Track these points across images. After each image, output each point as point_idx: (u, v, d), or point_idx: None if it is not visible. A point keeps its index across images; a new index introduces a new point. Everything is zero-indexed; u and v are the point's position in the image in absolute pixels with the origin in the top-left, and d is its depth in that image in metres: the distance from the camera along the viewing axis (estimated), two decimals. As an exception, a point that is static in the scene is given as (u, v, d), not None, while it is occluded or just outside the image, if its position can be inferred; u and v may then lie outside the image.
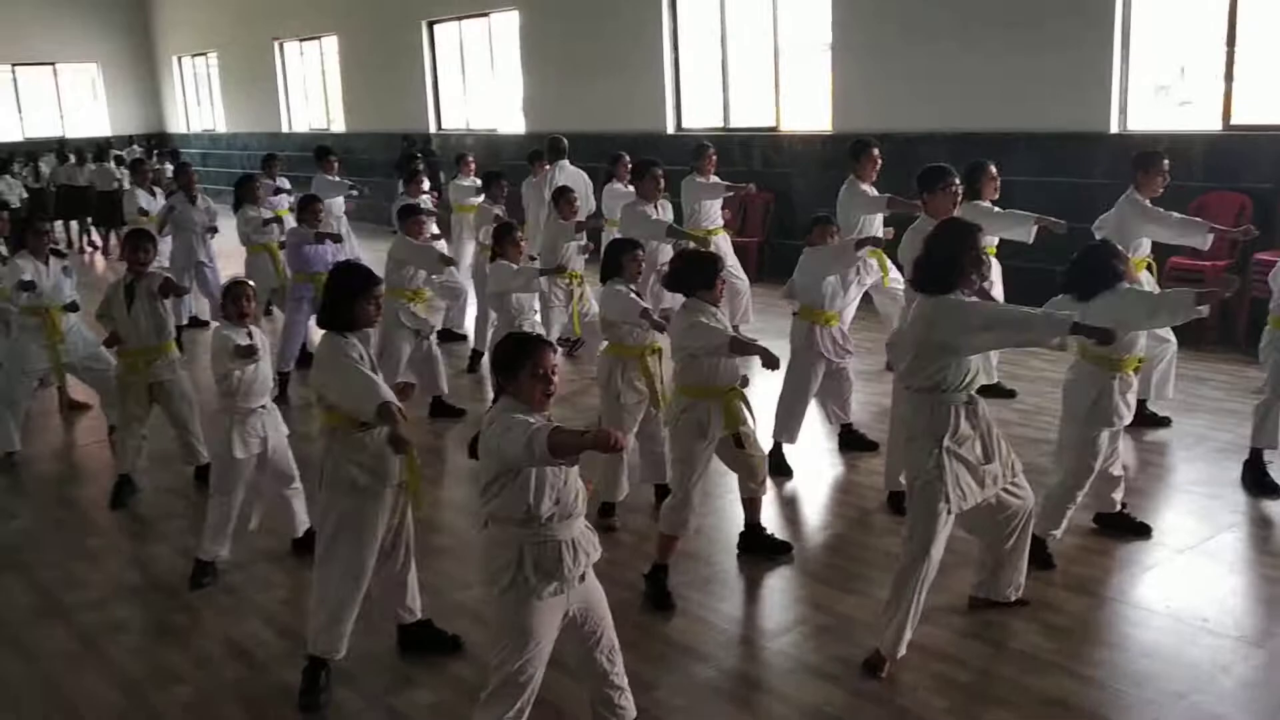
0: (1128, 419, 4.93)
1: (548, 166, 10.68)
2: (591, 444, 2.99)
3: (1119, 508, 5.20)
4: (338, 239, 8.39)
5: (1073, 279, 4.66)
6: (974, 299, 4.12)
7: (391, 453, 4.06)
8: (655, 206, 8.01)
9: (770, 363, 4.57)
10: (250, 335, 5.12)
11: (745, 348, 4.64)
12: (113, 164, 16.72)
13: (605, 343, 5.64)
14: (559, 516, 3.28)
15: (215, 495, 5.23)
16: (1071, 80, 9.32)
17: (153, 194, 11.36)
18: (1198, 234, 6.38)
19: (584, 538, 3.37)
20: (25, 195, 16.52)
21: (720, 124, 12.84)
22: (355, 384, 3.97)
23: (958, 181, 6.03)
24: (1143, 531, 5.16)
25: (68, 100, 24.88)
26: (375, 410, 3.89)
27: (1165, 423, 6.71)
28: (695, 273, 4.79)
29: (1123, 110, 9.21)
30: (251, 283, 5.35)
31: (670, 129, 13.26)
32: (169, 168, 16.36)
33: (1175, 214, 6.50)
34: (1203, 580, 4.77)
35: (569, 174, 10.12)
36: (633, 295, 5.39)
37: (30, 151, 19.12)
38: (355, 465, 4.07)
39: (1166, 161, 6.46)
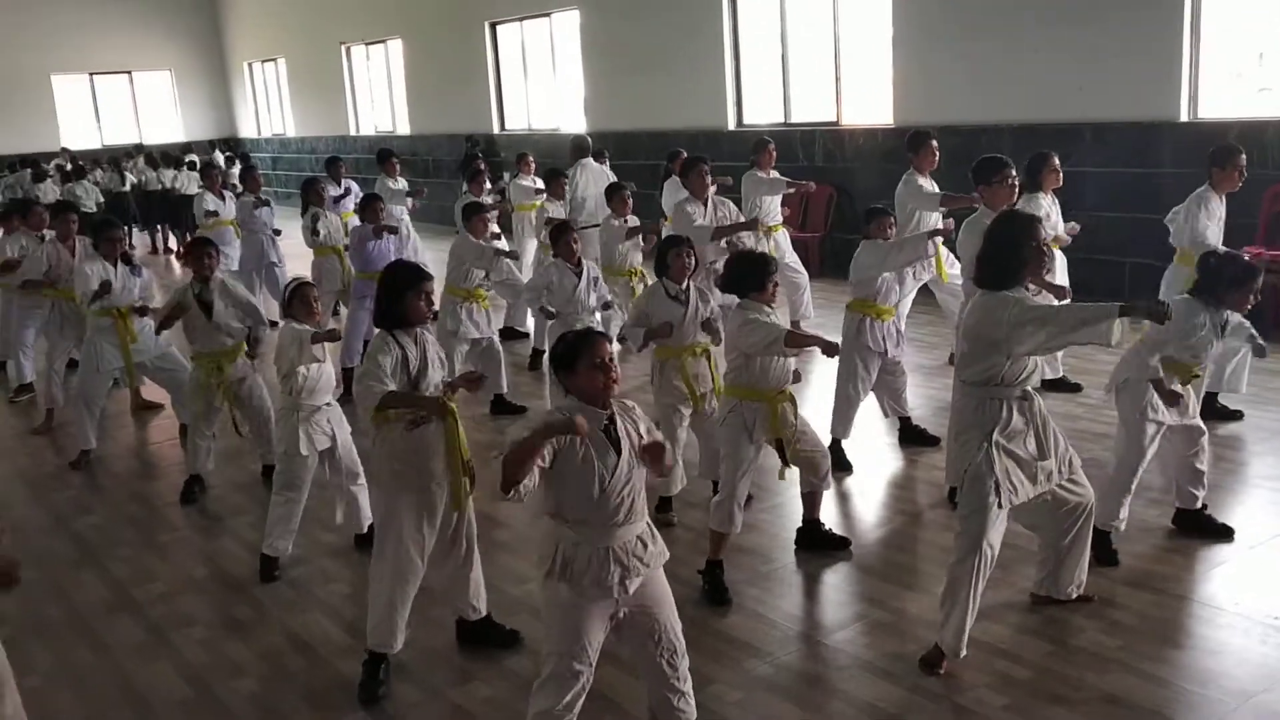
0: (1165, 416, 4.80)
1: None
2: (545, 436, 3.09)
3: (1199, 505, 5.05)
4: (394, 230, 8.50)
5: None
6: (1029, 296, 4.04)
7: (438, 451, 4.13)
8: (706, 202, 7.92)
9: (830, 350, 4.61)
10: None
11: (802, 340, 4.64)
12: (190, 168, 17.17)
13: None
14: (597, 524, 3.27)
15: (281, 492, 5.33)
16: (1138, 68, 9.12)
17: (222, 198, 11.59)
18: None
19: (631, 547, 3.31)
20: (101, 201, 16.96)
21: (781, 119, 12.78)
22: (364, 382, 4.06)
23: (1014, 173, 5.94)
24: (1225, 534, 4.99)
25: (144, 107, 25.48)
26: (379, 405, 4.00)
27: (1238, 416, 6.56)
28: (747, 274, 4.78)
29: (1193, 98, 8.99)
30: (312, 282, 5.45)
31: (731, 125, 13.22)
32: (235, 170, 16.70)
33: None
34: (1273, 577, 4.65)
35: (593, 172, 10.15)
36: (646, 303, 5.47)
37: (112, 158, 19.62)
38: (398, 462, 4.13)
39: (1243, 157, 6.32)
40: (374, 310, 4.34)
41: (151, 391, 8.22)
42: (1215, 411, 6.52)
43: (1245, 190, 6.62)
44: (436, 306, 4.57)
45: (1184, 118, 9.00)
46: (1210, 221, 6.35)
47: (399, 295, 4.14)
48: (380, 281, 4.28)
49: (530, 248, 10.54)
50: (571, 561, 3.28)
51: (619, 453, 3.27)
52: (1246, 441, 6.29)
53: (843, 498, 5.88)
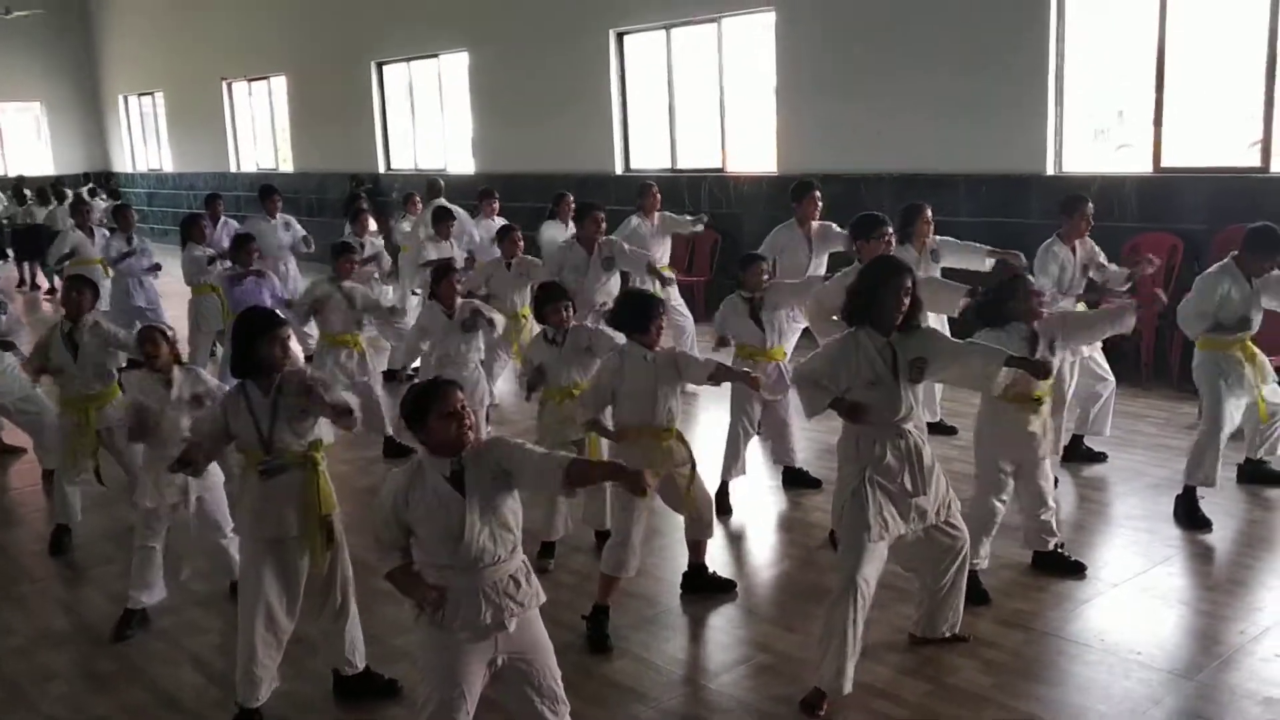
0: (1020, 452, 4.98)
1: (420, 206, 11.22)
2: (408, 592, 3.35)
3: (1051, 547, 5.23)
4: (260, 274, 8.31)
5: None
6: (826, 346, 4.29)
7: (295, 503, 4.04)
8: (596, 248, 7.92)
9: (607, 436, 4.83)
10: (170, 384, 5.04)
11: (601, 431, 4.84)
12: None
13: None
14: (461, 567, 3.26)
15: (137, 542, 5.13)
16: (1009, 124, 9.52)
17: (91, 235, 11.15)
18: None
19: (502, 586, 3.29)
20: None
21: (668, 165, 12.95)
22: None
23: (890, 231, 6.14)
24: (1077, 570, 5.18)
25: (10, 139, 24.54)
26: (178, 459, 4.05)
27: (1102, 458, 6.81)
28: (630, 315, 4.86)
29: (1058, 153, 9.41)
30: (162, 326, 5.24)
31: (619, 169, 13.34)
32: (101, 204, 16.17)
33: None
34: (1137, 614, 4.82)
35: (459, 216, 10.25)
36: (530, 349, 5.69)
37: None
38: (253, 510, 4.05)
39: (1090, 206, 6.57)
40: (230, 358, 4.17)
41: (13, 435, 7.86)
42: (1081, 454, 6.78)
43: (1107, 242, 6.92)
44: (300, 352, 4.47)
45: (1050, 171, 9.41)
46: (1053, 267, 6.49)
47: (249, 343, 4.00)
48: (233, 328, 4.14)
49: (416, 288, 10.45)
50: (442, 604, 3.25)
51: (465, 501, 3.24)
52: (1111, 483, 6.53)
53: (728, 540, 5.92)
